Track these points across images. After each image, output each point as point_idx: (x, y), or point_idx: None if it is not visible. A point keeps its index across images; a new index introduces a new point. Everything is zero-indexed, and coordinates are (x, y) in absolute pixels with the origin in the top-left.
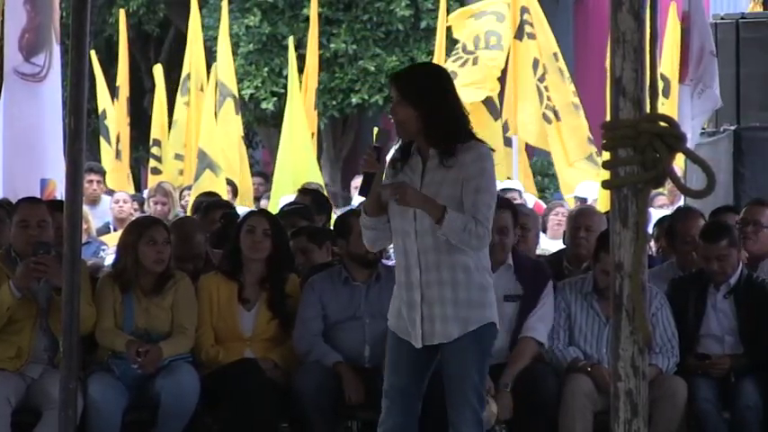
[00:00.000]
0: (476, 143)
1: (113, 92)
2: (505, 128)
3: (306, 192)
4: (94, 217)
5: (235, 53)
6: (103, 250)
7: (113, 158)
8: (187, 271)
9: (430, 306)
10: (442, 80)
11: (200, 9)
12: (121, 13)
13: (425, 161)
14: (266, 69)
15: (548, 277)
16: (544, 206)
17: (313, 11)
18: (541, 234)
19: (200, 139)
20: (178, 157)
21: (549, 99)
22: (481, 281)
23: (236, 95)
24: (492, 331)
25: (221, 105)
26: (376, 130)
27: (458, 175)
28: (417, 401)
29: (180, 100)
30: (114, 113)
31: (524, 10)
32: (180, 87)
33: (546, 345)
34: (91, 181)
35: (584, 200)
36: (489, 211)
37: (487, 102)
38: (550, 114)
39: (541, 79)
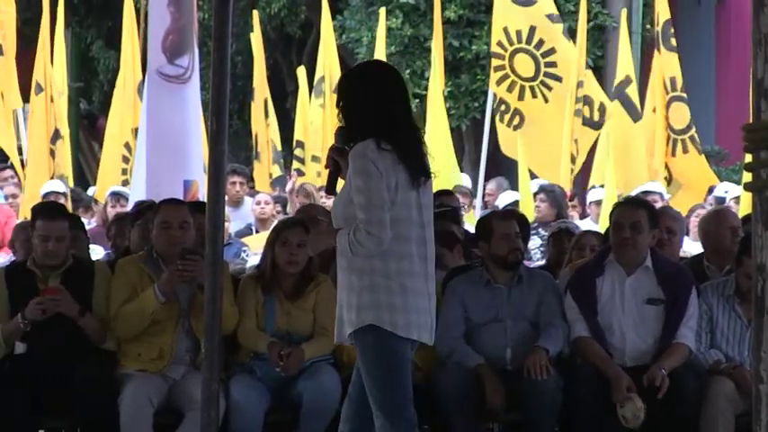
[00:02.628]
0: (362, 142)
1: (252, 93)
2: None
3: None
4: (237, 218)
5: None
6: (245, 252)
7: (253, 159)
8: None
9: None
10: (356, 79)
11: (342, 11)
12: (255, 14)
13: None
14: (408, 71)
15: (691, 282)
16: None
17: (437, 13)
18: None
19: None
20: (315, 159)
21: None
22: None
23: None
24: None
25: None
26: (336, 129)
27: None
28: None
29: (314, 102)
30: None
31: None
32: (314, 89)
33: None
34: (234, 183)
35: (721, 200)
36: (362, 211)
37: (626, 102)
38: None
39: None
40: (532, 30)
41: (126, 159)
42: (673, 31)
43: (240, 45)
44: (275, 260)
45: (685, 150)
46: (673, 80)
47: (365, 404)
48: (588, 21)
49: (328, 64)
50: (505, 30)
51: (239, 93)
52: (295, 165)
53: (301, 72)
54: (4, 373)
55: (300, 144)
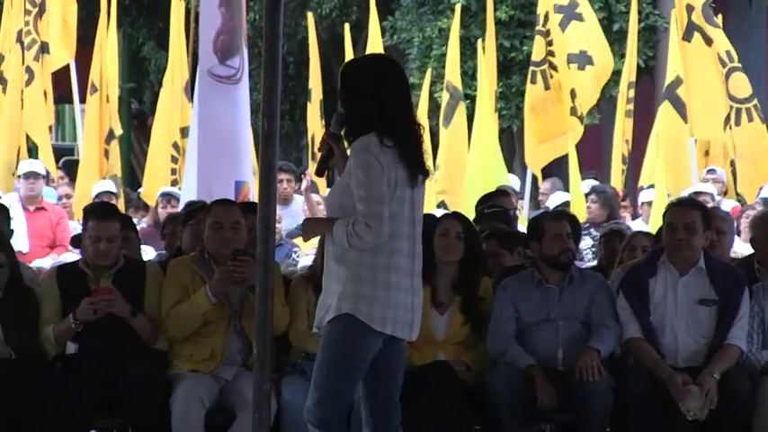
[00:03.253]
0: (365, 136)
1: (307, 94)
2: None
3: (498, 194)
4: (286, 216)
5: (428, 56)
6: (296, 253)
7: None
8: None
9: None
10: (360, 72)
11: (393, 12)
12: (310, 16)
13: None
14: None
15: (744, 283)
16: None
17: (489, 14)
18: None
19: None
20: None
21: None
22: None
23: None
24: None
25: (453, 110)
26: (334, 114)
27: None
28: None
29: None
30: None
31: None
32: None
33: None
34: (281, 180)
35: None
36: (362, 203)
37: (677, 103)
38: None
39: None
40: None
41: (174, 159)
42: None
43: (291, 46)
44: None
45: (750, 119)
46: (728, 53)
47: (381, 407)
48: (639, 21)
49: None
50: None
51: (290, 94)
52: None
53: None
54: (55, 373)
55: None
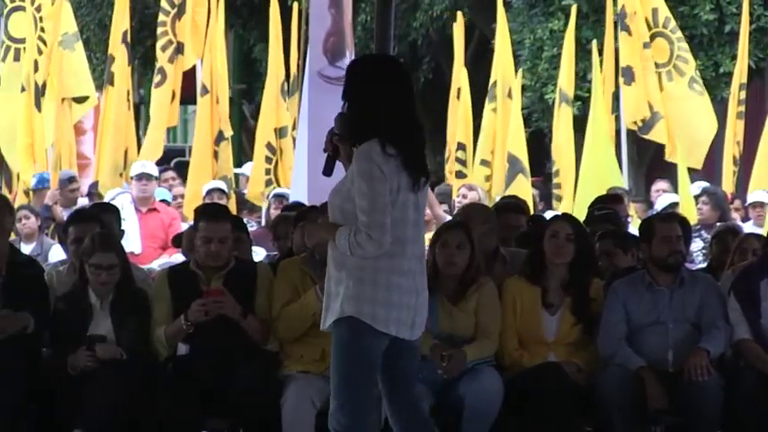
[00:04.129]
0: (368, 142)
1: (420, 93)
2: None
3: (611, 198)
4: None
5: (539, 57)
6: None
7: None
8: None
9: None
10: (365, 76)
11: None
12: (459, 16)
13: None
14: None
15: None
16: None
17: (608, 16)
18: None
19: (510, 145)
20: (484, 162)
21: None
22: None
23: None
24: None
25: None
26: (337, 115)
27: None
28: None
29: (487, 106)
30: None
31: None
32: (488, 94)
33: None
34: None
35: None
36: (364, 214)
37: None
38: None
39: None
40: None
41: (269, 159)
42: None
43: (402, 47)
44: (436, 262)
45: None
46: None
47: (407, 417)
48: (750, 23)
49: (502, 68)
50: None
51: None
52: (456, 167)
53: (463, 74)
54: (166, 374)
55: (462, 146)
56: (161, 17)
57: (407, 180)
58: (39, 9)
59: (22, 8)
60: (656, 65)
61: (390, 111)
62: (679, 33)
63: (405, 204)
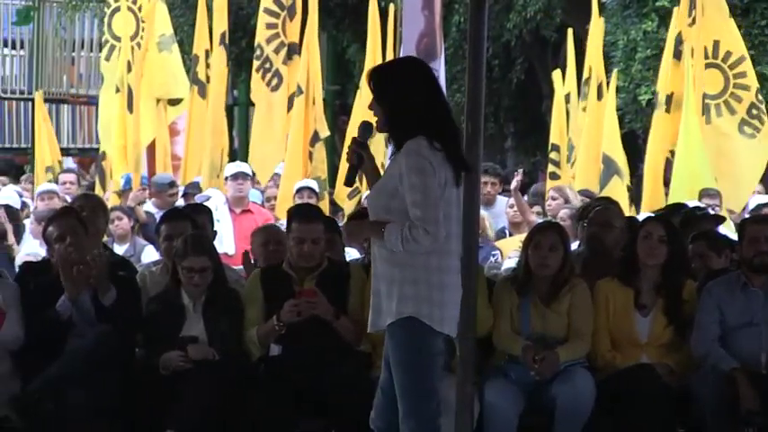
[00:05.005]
0: (414, 139)
1: (511, 96)
2: None
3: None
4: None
5: (632, 58)
6: (494, 255)
7: None
8: None
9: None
10: (404, 75)
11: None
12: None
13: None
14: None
15: None
16: None
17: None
18: None
19: (604, 146)
20: (573, 163)
21: None
22: None
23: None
24: None
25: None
26: (360, 123)
27: (398, 171)
28: None
29: (579, 105)
30: None
31: None
32: (580, 92)
33: None
34: (486, 183)
35: None
36: (418, 208)
37: None
38: None
39: None
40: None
41: None
42: None
43: (495, 48)
44: (528, 263)
45: None
46: None
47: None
48: None
49: (594, 68)
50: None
51: (494, 96)
52: (550, 168)
53: (557, 75)
54: (259, 375)
55: (556, 147)
56: (270, 19)
57: (451, 174)
58: (140, 9)
59: (117, 9)
60: (705, 95)
61: (428, 107)
62: (739, 69)
63: (449, 200)
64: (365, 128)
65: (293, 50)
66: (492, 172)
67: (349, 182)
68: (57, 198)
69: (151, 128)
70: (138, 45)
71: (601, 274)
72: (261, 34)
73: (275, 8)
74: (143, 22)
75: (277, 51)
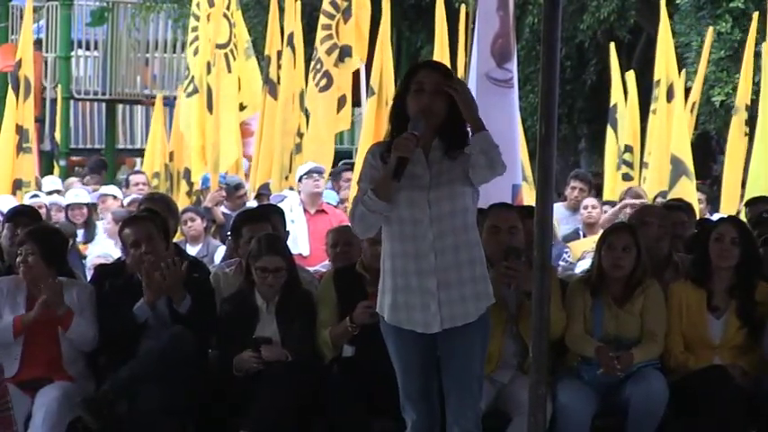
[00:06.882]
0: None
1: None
2: None
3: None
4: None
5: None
6: (566, 253)
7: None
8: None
9: (448, 290)
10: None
11: (672, 15)
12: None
13: (427, 153)
14: (737, 76)
15: None
16: None
17: None
18: None
19: (673, 146)
20: (645, 164)
21: None
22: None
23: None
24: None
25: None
26: (415, 117)
27: (464, 166)
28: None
29: (652, 107)
30: None
31: None
32: (651, 95)
33: None
34: (574, 188)
35: None
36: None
37: None
38: None
39: None
40: None
41: None
42: None
43: (569, 49)
44: (602, 264)
45: None
46: None
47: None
48: None
49: (665, 70)
50: None
51: (567, 97)
52: (623, 169)
53: (630, 77)
54: (333, 376)
55: (629, 148)
56: (324, 20)
57: None
58: (233, 15)
59: (196, 16)
60: None
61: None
62: None
63: None
64: (417, 120)
65: (346, 53)
66: (582, 178)
67: (397, 177)
68: (112, 200)
69: (235, 132)
70: (232, 52)
71: None
72: (317, 35)
73: (331, 10)
74: (234, 27)
75: (329, 53)
